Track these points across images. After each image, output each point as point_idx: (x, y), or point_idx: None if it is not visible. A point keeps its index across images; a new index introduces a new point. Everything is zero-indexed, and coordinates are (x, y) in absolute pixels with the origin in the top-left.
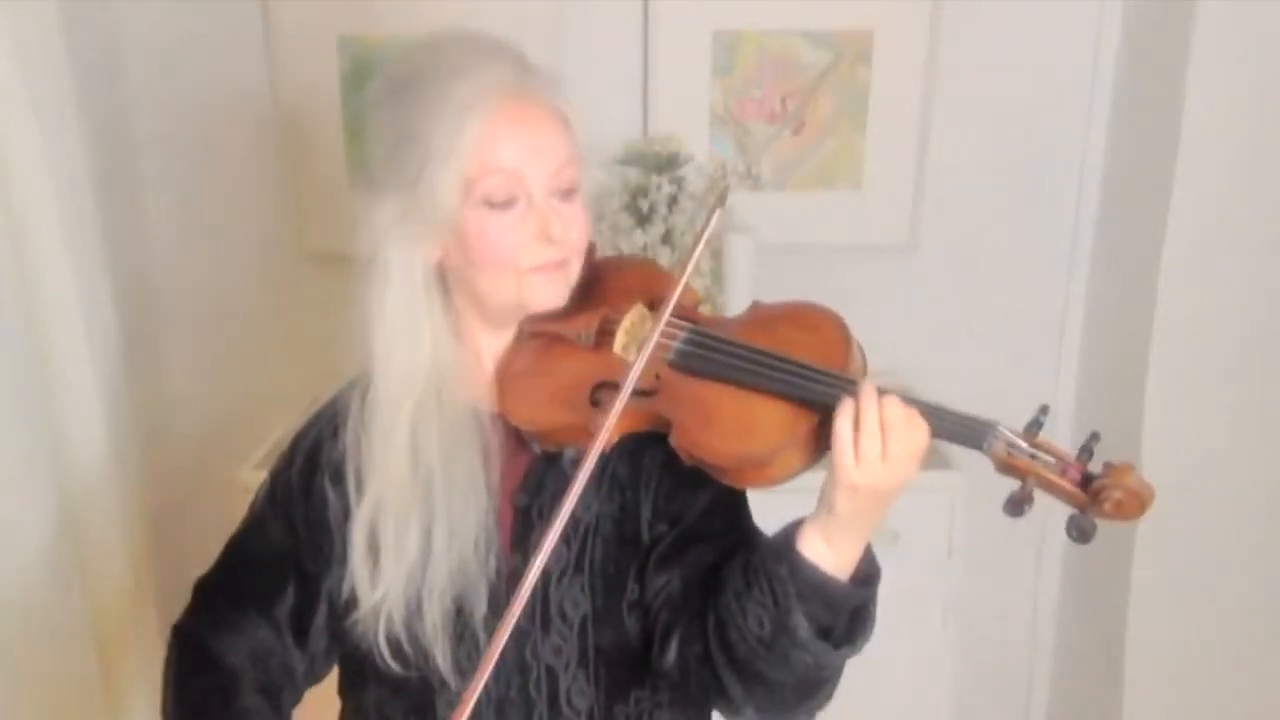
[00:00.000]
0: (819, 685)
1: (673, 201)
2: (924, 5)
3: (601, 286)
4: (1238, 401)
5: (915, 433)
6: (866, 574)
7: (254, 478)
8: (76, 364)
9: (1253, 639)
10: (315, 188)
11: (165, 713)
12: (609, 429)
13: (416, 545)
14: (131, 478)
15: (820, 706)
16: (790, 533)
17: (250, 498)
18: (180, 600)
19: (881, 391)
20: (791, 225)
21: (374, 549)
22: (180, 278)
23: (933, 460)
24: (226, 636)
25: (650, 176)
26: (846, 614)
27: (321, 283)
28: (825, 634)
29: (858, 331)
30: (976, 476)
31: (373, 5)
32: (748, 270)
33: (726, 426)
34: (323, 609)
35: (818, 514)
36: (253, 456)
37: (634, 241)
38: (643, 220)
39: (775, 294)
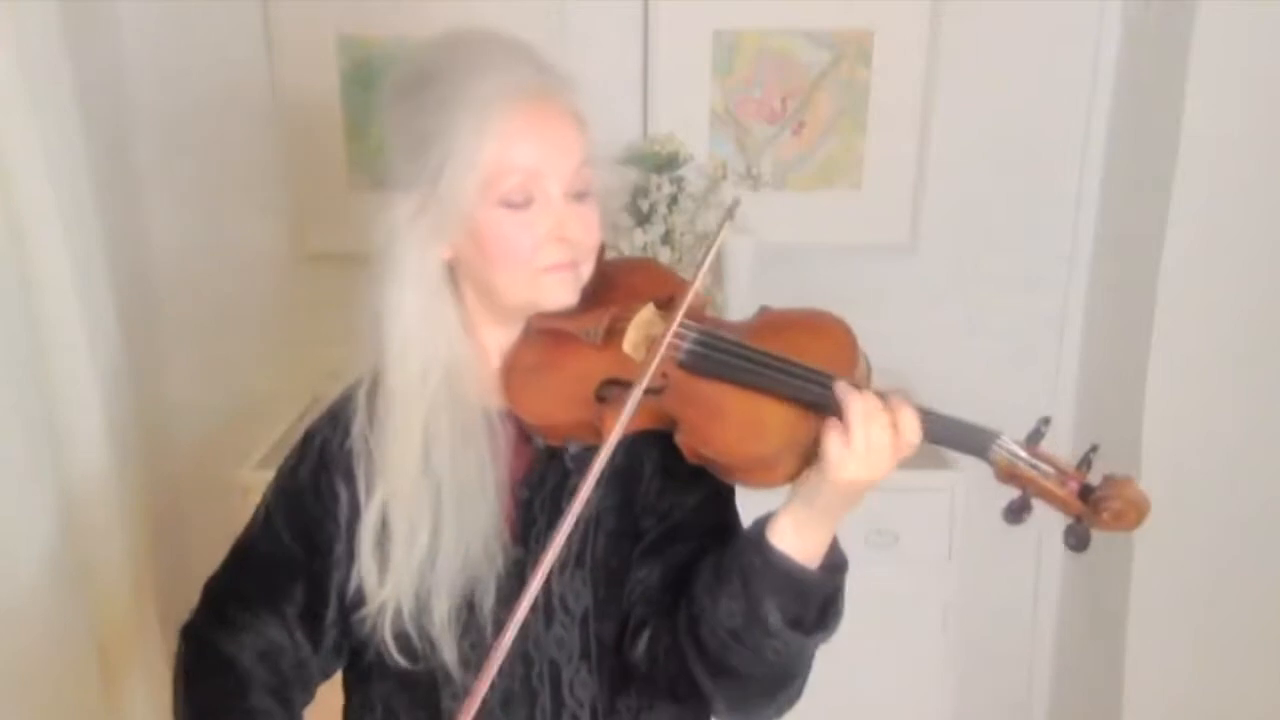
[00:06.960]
0: (789, 679)
1: (673, 201)
2: (924, 5)
3: (609, 286)
4: (1237, 401)
5: (905, 420)
6: (835, 563)
7: (254, 478)
8: (76, 365)
9: (1253, 639)
10: (315, 188)
11: (176, 713)
12: (622, 427)
13: (426, 541)
14: (132, 478)
15: (790, 703)
16: (760, 526)
17: (251, 498)
18: (182, 601)
19: (881, 393)
20: (791, 225)
21: (382, 545)
22: (180, 278)
23: (932, 461)
24: (236, 637)
25: (650, 176)
26: (816, 604)
27: (321, 283)
28: (796, 624)
29: (857, 332)
30: (976, 478)
31: (373, 5)
32: (747, 270)
33: (735, 427)
34: (333, 605)
35: (790, 505)
36: (253, 457)
37: (634, 241)
38: (643, 220)
39: (774, 294)
